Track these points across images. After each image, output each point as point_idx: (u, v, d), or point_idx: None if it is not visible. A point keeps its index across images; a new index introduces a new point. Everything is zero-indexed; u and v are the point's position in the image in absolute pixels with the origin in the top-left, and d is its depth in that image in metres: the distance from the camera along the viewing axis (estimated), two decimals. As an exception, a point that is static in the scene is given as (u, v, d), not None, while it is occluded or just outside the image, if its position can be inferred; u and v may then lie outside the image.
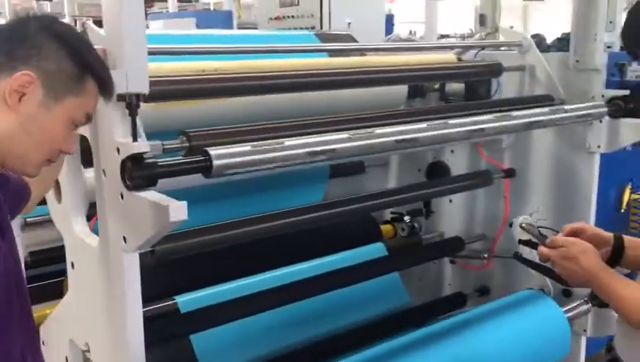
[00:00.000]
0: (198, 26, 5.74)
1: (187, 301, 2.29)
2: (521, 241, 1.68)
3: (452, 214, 3.07)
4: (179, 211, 1.22)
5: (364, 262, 2.67)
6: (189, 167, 1.42)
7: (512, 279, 2.83)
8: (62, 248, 1.96)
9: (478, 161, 2.90)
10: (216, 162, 1.43)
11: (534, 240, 1.55)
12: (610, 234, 1.51)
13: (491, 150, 2.83)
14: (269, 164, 1.52)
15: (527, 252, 2.30)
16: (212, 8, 10.15)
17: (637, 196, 2.72)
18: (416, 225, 3.03)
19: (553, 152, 2.63)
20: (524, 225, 1.64)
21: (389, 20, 8.28)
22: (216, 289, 2.39)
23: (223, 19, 6.74)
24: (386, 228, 3.11)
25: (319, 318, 2.56)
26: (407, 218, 3.02)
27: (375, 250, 2.82)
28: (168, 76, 1.69)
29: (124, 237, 1.40)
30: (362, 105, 2.44)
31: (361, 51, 2.89)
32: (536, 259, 1.69)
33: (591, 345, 2.69)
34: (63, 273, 2.04)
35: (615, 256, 1.48)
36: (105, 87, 1.14)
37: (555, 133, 2.60)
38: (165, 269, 2.20)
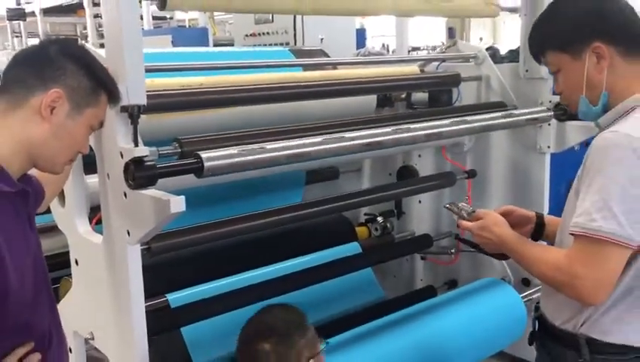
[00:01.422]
0: (174, 43, 5.87)
1: (177, 298, 2.48)
2: (457, 235, 1.88)
3: (421, 214, 3.31)
4: (178, 204, 1.42)
5: (341, 258, 2.88)
6: (184, 168, 1.63)
7: (477, 271, 3.07)
8: (55, 256, 2.14)
9: (443, 164, 3.15)
10: (207, 164, 1.64)
11: (459, 218, 1.74)
12: (533, 213, 1.74)
13: (454, 153, 3.08)
14: (253, 165, 1.73)
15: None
16: (187, 25, 10.31)
17: (585, 191, 2.99)
18: (388, 225, 3.25)
19: (509, 154, 2.89)
20: (447, 205, 1.84)
21: (362, 35, 8.55)
22: (203, 288, 2.59)
23: (199, 36, 6.87)
24: (360, 230, 3.34)
25: (300, 312, 2.76)
26: (379, 218, 3.25)
27: (350, 249, 3.04)
28: (161, 90, 1.90)
29: (128, 231, 1.60)
30: (335, 115, 2.67)
31: (333, 65, 3.13)
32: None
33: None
34: (57, 281, 2.23)
35: (537, 231, 1.72)
36: (114, 98, 1.35)
37: (509, 137, 2.86)
38: (157, 271, 2.39)
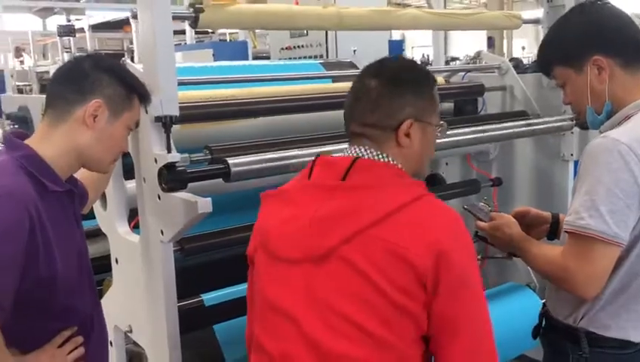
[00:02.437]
0: (215, 57, 6.07)
1: (211, 298, 2.62)
2: (476, 233, 1.97)
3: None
4: (205, 205, 1.57)
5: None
6: (212, 173, 1.77)
7: (503, 277, 3.12)
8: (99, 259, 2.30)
9: (469, 172, 3.22)
10: (233, 169, 1.78)
11: (476, 219, 1.84)
12: (549, 214, 1.82)
13: (480, 161, 3.15)
14: (275, 172, 1.86)
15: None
16: (228, 39, 10.61)
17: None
18: (415, 231, 3.33)
19: (533, 162, 2.95)
20: (466, 206, 1.93)
21: (397, 46, 8.62)
22: (236, 289, 2.73)
23: (239, 49, 7.07)
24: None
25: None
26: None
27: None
28: (193, 102, 2.05)
29: (162, 231, 1.75)
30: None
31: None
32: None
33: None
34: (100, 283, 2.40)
35: (553, 230, 1.80)
36: (145, 99, 1.51)
37: (533, 145, 2.92)
38: (193, 274, 2.54)
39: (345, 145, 2.05)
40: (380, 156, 1.36)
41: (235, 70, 3.05)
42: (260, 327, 1.36)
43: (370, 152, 1.37)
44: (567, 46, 1.58)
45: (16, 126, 2.56)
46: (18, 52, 12.56)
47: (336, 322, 1.23)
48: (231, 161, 1.79)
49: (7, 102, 2.78)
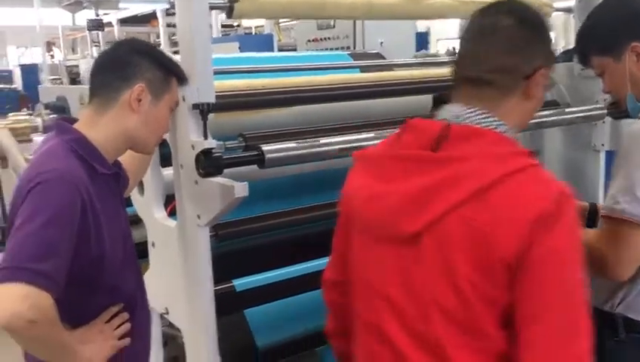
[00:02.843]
0: (241, 49, 6.13)
1: (242, 283, 2.68)
2: None
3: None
4: (242, 189, 1.61)
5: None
6: (247, 159, 1.82)
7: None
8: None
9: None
10: (267, 156, 1.82)
11: None
12: (586, 203, 1.83)
13: (509, 152, 3.14)
14: (308, 158, 1.90)
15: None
16: (253, 32, 10.68)
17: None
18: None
19: (563, 152, 2.94)
20: None
21: (422, 38, 8.59)
22: (266, 275, 2.78)
23: (265, 42, 7.14)
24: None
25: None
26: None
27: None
28: (228, 91, 2.10)
29: (198, 215, 1.80)
30: (391, 115, 2.81)
31: (389, 67, 3.28)
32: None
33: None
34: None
35: (591, 219, 1.80)
36: (182, 79, 1.56)
37: (563, 135, 2.91)
38: (226, 260, 2.60)
39: (375, 133, 2.11)
40: (488, 119, 1.20)
41: (265, 60, 3.09)
42: (356, 300, 1.32)
43: (476, 114, 1.21)
44: (605, 35, 1.59)
45: (54, 115, 2.63)
46: (49, 46, 12.80)
47: (429, 306, 1.17)
48: (265, 147, 1.82)
49: (45, 92, 2.86)
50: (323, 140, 1.94)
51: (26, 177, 1.28)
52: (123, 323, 1.41)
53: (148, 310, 1.58)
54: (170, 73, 1.50)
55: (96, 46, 10.42)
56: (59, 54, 13.53)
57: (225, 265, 2.24)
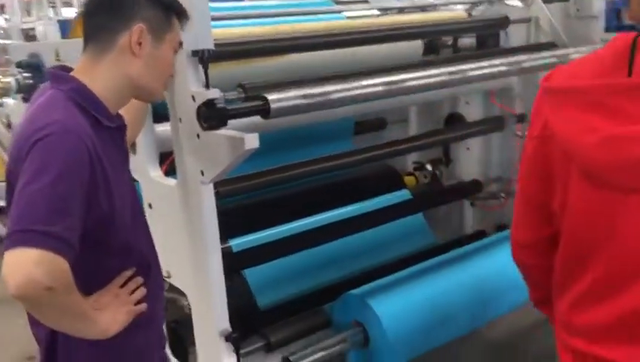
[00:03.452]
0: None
1: (238, 244, 2.60)
2: None
3: (470, 161, 3.33)
4: (252, 141, 1.50)
5: (393, 204, 2.95)
6: (252, 109, 1.70)
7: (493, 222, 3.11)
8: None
9: (492, 110, 3.15)
10: (273, 105, 1.71)
11: None
12: None
13: (503, 98, 3.08)
14: (317, 107, 1.79)
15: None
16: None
17: (638, 130, 2.97)
18: (437, 172, 3.29)
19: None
20: None
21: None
22: (262, 235, 2.70)
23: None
24: (408, 180, 3.38)
25: (353, 257, 2.85)
26: (428, 166, 3.29)
27: (401, 195, 3.10)
28: (223, 40, 1.97)
29: (202, 171, 1.69)
30: (382, 63, 2.70)
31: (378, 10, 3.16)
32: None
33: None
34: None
35: None
36: (183, 16, 1.40)
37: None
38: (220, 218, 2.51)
39: (383, 78, 2.00)
40: None
41: (257, 7, 2.93)
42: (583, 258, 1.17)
43: None
44: None
45: (29, 74, 2.45)
46: (1, 9, 12.17)
47: None
48: (270, 96, 1.71)
49: (17, 50, 2.66)
50: (331, 87, 1.83)
51: (25, 133, 1.15)
52: (138, 287, 1.30)
53: (161, 274, 1.48)
54: (170, 9, 1.35)
55: (52, 6, 9.94)
56: (12, 17, 12.90)
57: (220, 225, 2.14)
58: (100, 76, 1.28)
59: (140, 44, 1.29)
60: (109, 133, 1.27)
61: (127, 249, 1.29)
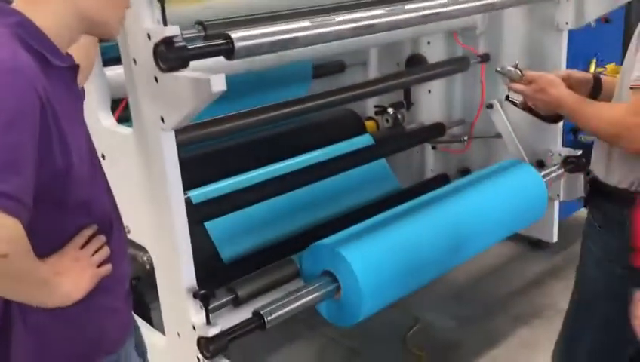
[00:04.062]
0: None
1: (197, 195, 2.47)
2: (507, 97, 1.88)
3: (431, 104, 3.27)
4: (219, 82, 1.36)
5: (355, 150, 2.87)
6: (216, 49, 1.55)
7: (490, 157, 3.09)
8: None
9: (454, 51, 3.07)
10: (237, 44, 1.56)
11: (510, 81, 1.74)
12: (590, 75, 1.72)
13: (466, 38, 3.00)
14: (285, 45, 1.66)
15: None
16: None
17: (601, 70, 2.95)
18: (399, 116, 3.21)
19: (524, 34, 2.81)
20: (498, 69, 1.82)
21: None
22: (221, 184, 2.58)
23: None
24: (369, 124, 3.30)
25: (319, 205, 2.77)
26: (390, 110, 3.20)
27: (363, 141, 3.02)
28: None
29: (162, 118, 1.54)
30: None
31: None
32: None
33: (562, 209, 3.00)
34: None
35: (594, 92, 1.69)
36: None
37: (525, 15, 2.78)
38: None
39: (350, 16, 1.86)
40: None
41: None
42: None
43: None
44: None
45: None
46: None
47: None
48: (234, 34, 1.56)
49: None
50: (299, 24, 1.69)
51: None
52: (101, 247, 1.17)
53: (124, 233, 1.35)
54: None
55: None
56: None
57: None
58: (46, 9, 1.10)
59: None
60: (59, 75, 1.11)
61: (86, 205, 1.15)
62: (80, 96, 1.24)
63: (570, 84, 1.66)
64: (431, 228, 2.19)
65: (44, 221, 1.07)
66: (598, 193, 1.58)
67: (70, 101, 1.14)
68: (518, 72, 1.73)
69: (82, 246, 1.15)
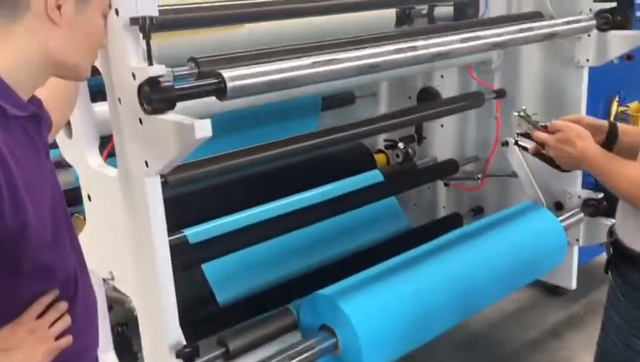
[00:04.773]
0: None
1: (195, 233, 2.35)
2: (519, 134, 1.76)
3: (444, 139, 3.14)
4: (203, 128, 1.25)
5: (363, 187, 2.74)
6: (205, 89, 1.44)
7: (505, 197, 2.94)
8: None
9: (468, 84, 2.95)
10: (230, 84, 1.46)
11: (530, 129, 1.64)
12: (605, 122, 1.59)
13: (481, 72, 2.87)
14: (281, 85, 1.55)
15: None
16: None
17: (624, 108, 2.81)
18: (410, 150, 3.08)
19: (542, 70, 2.68)
20: (521, 113, 1.71)
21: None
22: (221, 222, 2.45)
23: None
24: (379, 158, 3.17)
25: (324, 244, 2.64)
26: (401, 144, 3.07)
27: (372, 177, 2.89)
28: (169, 5, 1.69)
29: (146, 162, 1.43)
30: (351, 34, 2.45)
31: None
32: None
33: (582, 254, 2.83)
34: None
35: (609, 141, 1.56)
36: None
37: (543, 51, 2.65)
38: (172, 204, 2.25)
39: (360, 52, 1.74)
40: None
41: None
42: None
43: None
44: None
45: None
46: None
47: None
48: (226, 73, 1.46)
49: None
50: (298, 62, 1.58)
51: None
52: (61, 315, 1.05)
53: (92, 292, 1.23)
54: None
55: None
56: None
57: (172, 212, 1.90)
58: (8, 50, 1.00)
59: (59, 7, 1.02)
60: (19, 125, 1.00)
61: (46, 269, 1.04)
62: (45, 145, 1.13)
63: None
64: (441, 278, 2.04)
65: (-4, 287, 0.96)
66: (621, 258, 1.44)
67: (31, 153, 1.03)
68: (536, 120, 1.62)
69: (40, 316, 1.02)
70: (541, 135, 1.56)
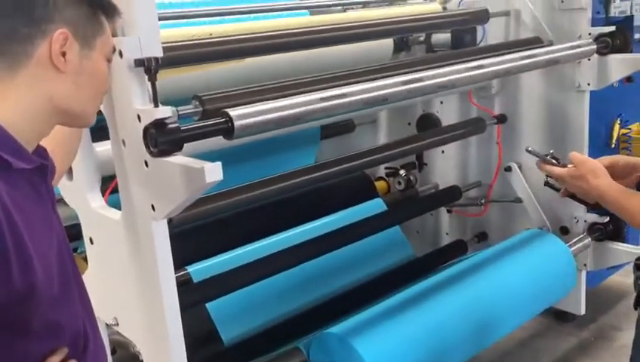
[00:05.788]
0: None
1: (198, 270, 2.30)
2: (546, 183, 1.73)
3: (445, 165, 3.11)
4: (214, 172, 1.21)
5: (367, 217, 2.70)
6: (212, 129, 1.41)
7: (509, 222, 2.90)
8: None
9: (468, 110, 2.93)
10: (237, 123, 1.42)
11: (537, 163, 1.63)
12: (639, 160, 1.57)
13: (481, 97, 2.86)
14: (290, 121, 1.51)
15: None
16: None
17: (626, 131, 2.80)
18: (411, 178, 3.05)
19: (543, 95, 2.67)
20: (529, 148, 1.69)
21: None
22: (225, 257, 2.41)
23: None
24: (380, 185, 3.14)
25: (329, 277, 2.59)
26: (402, 172, 3.05)
27: (375, 206, 2.86)
28: (173, 42, 1.66)
29: (153, 206, 1.39)
30: (349, 63, 2.43)
31: (342, 6, 2.90)
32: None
33: (589, 278, 2.79)
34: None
35: None
36: (110, 12, 1.08)
37: (543, 76, 2.64)
38: (173, 240, 2.20)
39: (367, 84, 1.72)
40: None
41: (197, 4, 2.62)
42: None
43: None
44: None
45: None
46: None
47: None
48: (233, 112, 1.42)
49: None
50: (305, 97, 1.55)
51: None
52: (71, 374, 1.00)
53: (102, 347, 1.18)
54: (96, 6, 1.03)
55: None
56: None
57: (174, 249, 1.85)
58: (11, 100, 0.96)
59: (64, 54, 0.99)
60: (24, 177, 0.96)
61: (55, 327, 0.99)
62: (51, 195, 1.08)
63: (617, 171, 1.50)
64: (456, 312, 2.00)
65: (3, 346, 0.91)
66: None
67: (37, 205, 0.99)
68: (548, 154, 1.60)
69: (48, 377, 0.98)
70: (556, 171, 1.53)
